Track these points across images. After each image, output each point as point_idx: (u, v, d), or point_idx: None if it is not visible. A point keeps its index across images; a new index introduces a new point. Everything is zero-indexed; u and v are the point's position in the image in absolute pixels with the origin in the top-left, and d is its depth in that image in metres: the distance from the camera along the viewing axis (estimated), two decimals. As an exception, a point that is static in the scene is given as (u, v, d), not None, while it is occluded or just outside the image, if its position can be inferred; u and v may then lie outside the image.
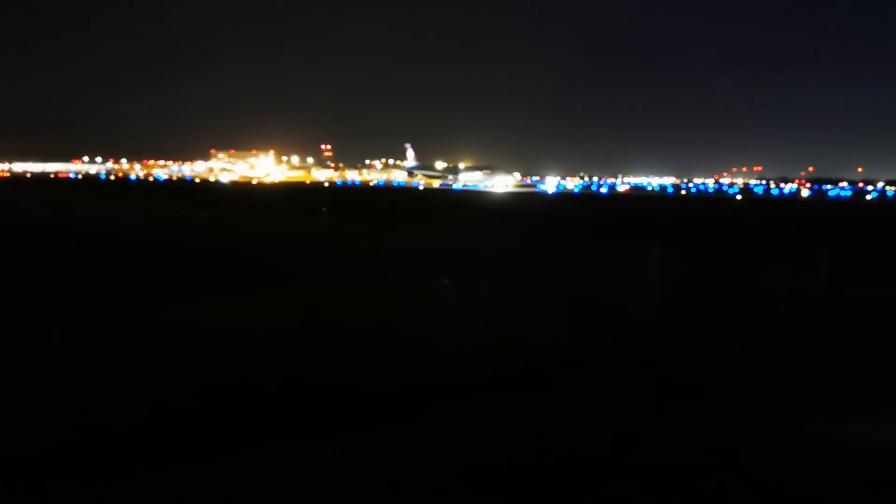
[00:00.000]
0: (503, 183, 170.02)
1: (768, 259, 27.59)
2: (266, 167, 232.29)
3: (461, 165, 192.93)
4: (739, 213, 74.31)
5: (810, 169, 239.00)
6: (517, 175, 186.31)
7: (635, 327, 15.11)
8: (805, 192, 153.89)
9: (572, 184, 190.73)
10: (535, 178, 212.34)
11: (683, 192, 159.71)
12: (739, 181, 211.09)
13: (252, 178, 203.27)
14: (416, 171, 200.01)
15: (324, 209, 58.89)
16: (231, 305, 16.25)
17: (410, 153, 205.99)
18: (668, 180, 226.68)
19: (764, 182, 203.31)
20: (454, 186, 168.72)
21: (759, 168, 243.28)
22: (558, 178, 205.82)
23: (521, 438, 8.68)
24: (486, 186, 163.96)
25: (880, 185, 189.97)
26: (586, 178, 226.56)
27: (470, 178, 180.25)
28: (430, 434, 8.75)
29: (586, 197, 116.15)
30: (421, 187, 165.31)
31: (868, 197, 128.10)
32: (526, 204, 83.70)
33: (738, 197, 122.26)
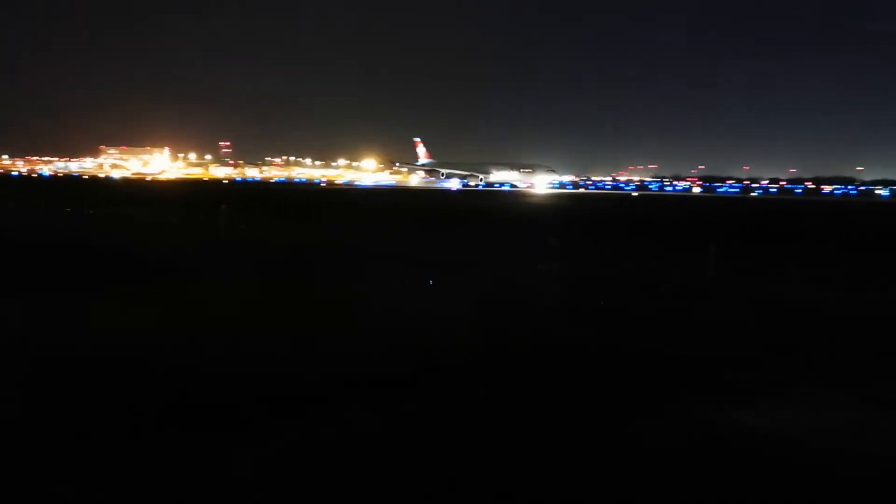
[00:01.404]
0: (543, 182, 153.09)
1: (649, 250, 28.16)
2: (161, 164, 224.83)
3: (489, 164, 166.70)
4: (633, 208, 76.47)
5: (701, 167, 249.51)
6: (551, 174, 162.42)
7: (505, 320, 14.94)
8: (697, 189, 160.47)
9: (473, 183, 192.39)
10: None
11: (582, 188, 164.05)
12: (636, 178, 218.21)
13: (146, 175, 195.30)
14: (439, 170, 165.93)
15: (223, 206, 56.79)
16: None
17: (422, 149, 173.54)
18: (569, 178, 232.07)
19: (659, 179, 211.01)
20: (479, 186, 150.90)
21: (655, 166, 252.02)
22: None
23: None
24: (518, 186, 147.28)
25: (764, 182, 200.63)
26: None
27: (504, 177, 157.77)
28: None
29: (485, 193, 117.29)
30: (452, 187, 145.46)
31: (753, 194, 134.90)
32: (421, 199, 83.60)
33: (635, 193, 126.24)
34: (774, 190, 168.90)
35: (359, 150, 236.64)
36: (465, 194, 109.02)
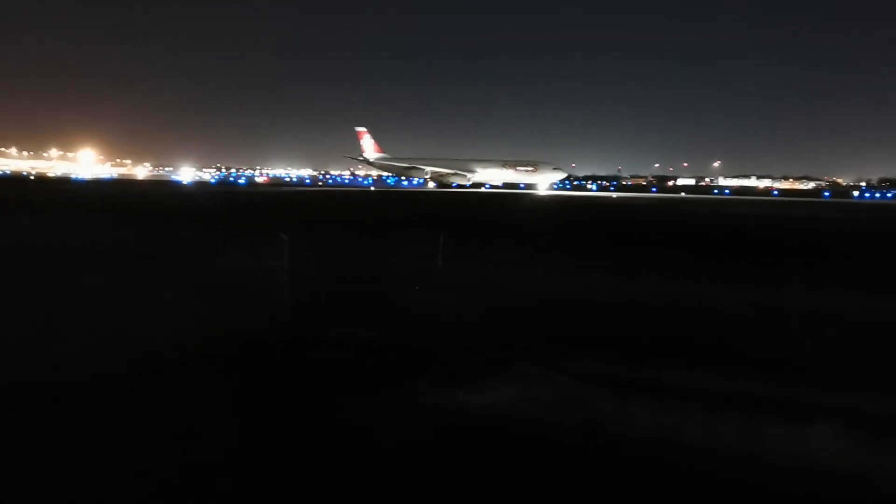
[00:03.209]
0: (548, 181, 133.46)
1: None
2: None
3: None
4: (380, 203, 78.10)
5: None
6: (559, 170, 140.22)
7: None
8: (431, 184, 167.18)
9: (208, 175, 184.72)
10: (169, 169, 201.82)
11: (321, 183, 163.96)
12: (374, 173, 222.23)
13: None
14: (421, 167, 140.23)
15: None
16: None
17: (369, 141, 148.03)
18: (307, 172, 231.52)
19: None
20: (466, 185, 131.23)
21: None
22: (194, 169, 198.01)
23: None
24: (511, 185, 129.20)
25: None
26: (224, 170, 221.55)
27: (492, 176, 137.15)
28: None
29: (224, 188, 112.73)
30: (429, 186, 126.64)
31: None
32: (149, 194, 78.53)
33: (372, 189, 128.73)
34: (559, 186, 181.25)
35: (74, 141, 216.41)
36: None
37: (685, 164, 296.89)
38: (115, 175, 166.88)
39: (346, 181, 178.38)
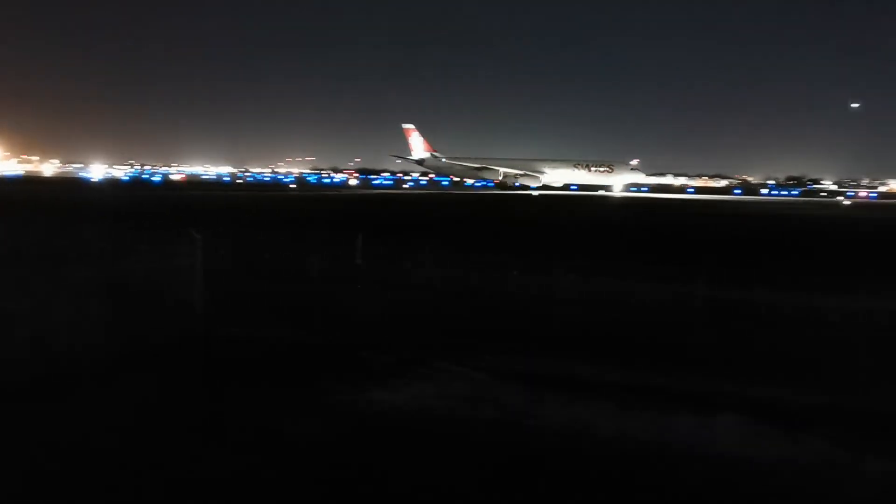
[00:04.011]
0: (623, 182, 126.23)
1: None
2: None
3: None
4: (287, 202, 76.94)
5: (357, 160, 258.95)
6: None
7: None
8: (354, 182, 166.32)
9: (121, 172, 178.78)
10: (79, 166, 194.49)
11: (240, 181, 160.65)
12: (295, 171, 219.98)
13: None
14: (495, 167, 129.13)
15: None
16: None
17: (417, 139, 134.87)
18: (226, 169, 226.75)
19: (318, 172, 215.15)
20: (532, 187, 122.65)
21: (313, 158, 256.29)
22: (105, 166, 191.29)
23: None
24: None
25: (415, 175, 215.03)
26: (138, 167, 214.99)
27: (563, 177, 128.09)
28: None
29: (134, 185, 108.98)
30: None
31: (406, 185, 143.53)
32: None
33: (293, 186, 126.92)
34: (425, 182, 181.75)
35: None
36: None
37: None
38: (20, 172, 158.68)
39: (267, 179, 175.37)
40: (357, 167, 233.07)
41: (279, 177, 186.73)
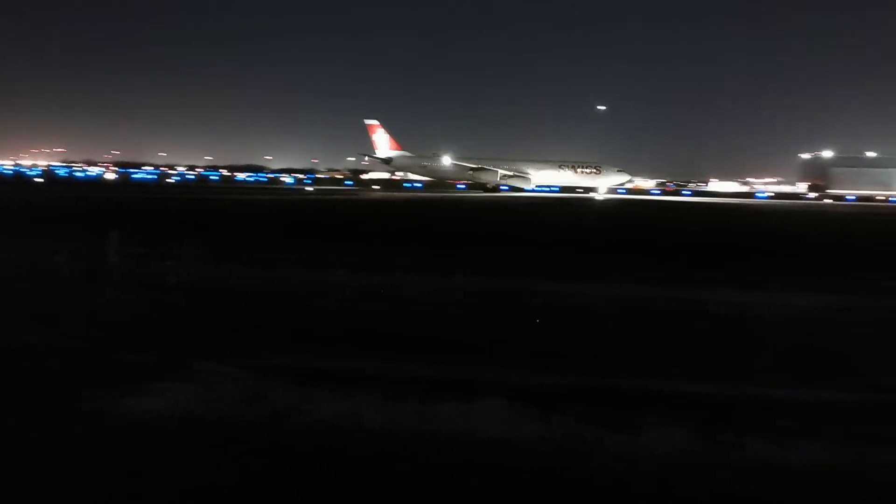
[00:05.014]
0: (609, 183, 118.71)
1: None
2: None
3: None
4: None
5: (115, 152, 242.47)
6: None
7: None
8: (111, 175, 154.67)
9: None
10: None
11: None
12: (42, 163, 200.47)
13: None
14: (491, 167, 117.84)
15: None
16: None
17: (382, 136, 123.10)
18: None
19: (69, 164, 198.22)
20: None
21: (63, 150, 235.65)
22: None
23: None
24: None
25: (181, 169, 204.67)
26: None
27: (547, 178, 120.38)
28: None
29: None
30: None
31: (170, 180, 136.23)
32: None
33: (39, 179, 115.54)
34: (192, 177, 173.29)
35: None
36: None
37: None
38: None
39: (9, 172, 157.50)
40: (115, 160, 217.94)
41: (21, 169, 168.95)
